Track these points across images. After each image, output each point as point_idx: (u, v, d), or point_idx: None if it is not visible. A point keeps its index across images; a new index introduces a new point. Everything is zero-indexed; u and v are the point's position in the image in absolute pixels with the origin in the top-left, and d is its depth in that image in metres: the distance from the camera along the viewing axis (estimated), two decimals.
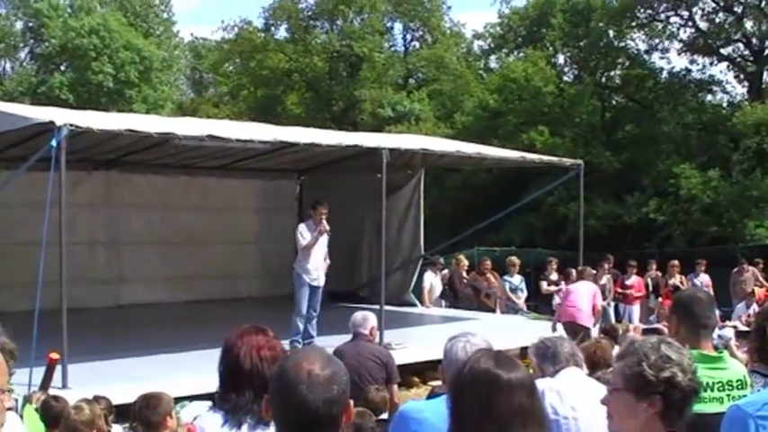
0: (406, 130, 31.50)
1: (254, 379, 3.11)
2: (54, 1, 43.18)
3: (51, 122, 8.55)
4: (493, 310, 15.33)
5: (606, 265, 15.64)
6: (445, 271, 16.65)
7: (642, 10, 33.84)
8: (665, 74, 34.52)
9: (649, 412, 2.51)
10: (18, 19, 45.67)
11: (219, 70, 46.99)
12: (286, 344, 7.91)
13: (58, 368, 7.95)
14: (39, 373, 7.54)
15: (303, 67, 41.43)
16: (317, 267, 11.23)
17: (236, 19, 46.15)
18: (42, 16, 42.41)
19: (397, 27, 44.38)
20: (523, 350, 8.53)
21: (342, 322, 8.50)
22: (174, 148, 12.45)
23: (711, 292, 13.10)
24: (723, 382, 3.75)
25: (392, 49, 43.94)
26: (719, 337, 9.98)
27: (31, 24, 44.62)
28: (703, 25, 33.75)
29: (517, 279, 15.86)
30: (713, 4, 33.09)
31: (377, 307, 10.80)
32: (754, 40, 32.74)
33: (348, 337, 7.70)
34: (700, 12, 33.62)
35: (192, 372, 8.86)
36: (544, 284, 15.76)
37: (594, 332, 10.77)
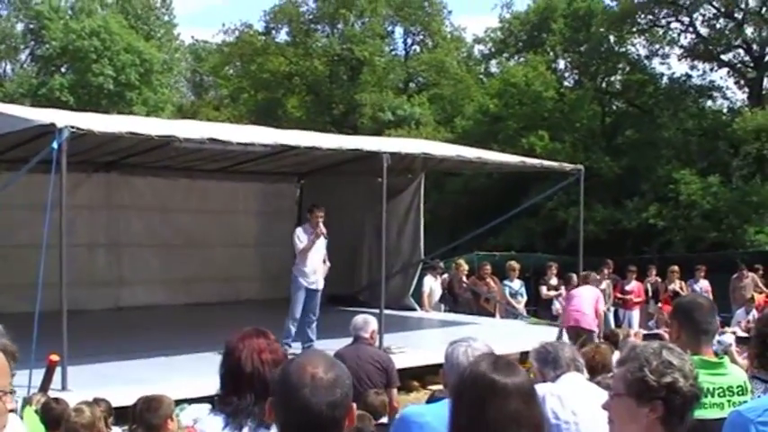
0: (406, 134, 31.53)
1: (256, 382, 3.11)
2: (55, 3, 43.21)
3: (52, 124, 8.55)
4: (492, 315, 15.32)
5: (606, 271, 15.64)
6: (445, 275, 16.64)
7: (643, 16, 33.87)
8: (665, 79, 34.57)
9: (651, 417, 2.52)
10: (19, 21, 45.71)
11: (220, 73, 47.02)
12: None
13: (58, 370, 7.96)
14: (38, 374, 7.55)
15: (304, 70, 41.45)
16: (315, 270, 11.23)
17: (236, 22, 46.15)
18: (43, 18, 42.42)
19: (398, 31, 44.52)
20: (523, 355, 8.53)
21: (341, 326, 8.50)
22: (174, 150, 12.46)
23: (711, 298, 13.09)
24: (724, 387, 3.75)
25: (393, 53, 44.00)
26: (719, 342, 9.98)
27: (31, 26, 44.63)
28: (704, 31, 33.81)
29: (517, 284, 15.87)
30: (714, 11, 33.12)
31: (377, 311, 10.80)
32: (754, 47, 32.76)
33: (347, 340, 7.70)
34: (700, 18, 33.69)
35: (191, 374, 8.87)
36: (544, 289, 15.77)
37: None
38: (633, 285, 16.04)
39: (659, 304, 15.97)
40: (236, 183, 16.80)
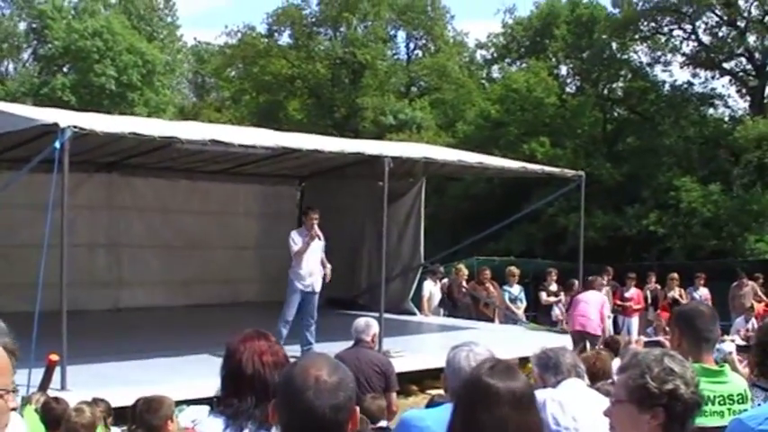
0: (407, 138, 31.51)
1: (256, 384, 3.10)
2: (58, 2, 43.24)
3: (55, 124, 8.55)
4: (491, 320, 15.32)
5: (605, 277, 15.63)
6: (445, 280, 16.65)
7: (645, 23, 33.89)
8: (667, 87, 34.53)
9: (652, 424, 2.52)
10: (22, 20, 45.77)
11: (222, 75, 47.04)
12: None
13: (57, 370, 7.97)
14: (38, 374, 7.54)
15: (305, 73, 41.45)
16: (311, 273, 11.16)
17: (239, 24, 46.24)
18: (46, 18, 42.45)
19: (401, 35, 44.53)
20: (522, 360, 8.52)
21: (341, 329, 8.50)
22: (176, 151, 12.46)
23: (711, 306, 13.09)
24: (724, 395, 3.76)
25: (395, 57, 44.00)
26: (718, 350, 9.96)
27: (34, 25, 44.67)
28: (706, 39, 33.81)
29: (516, 289, 15.88)
30: (716, 19, 33.13)
31: (376, 314, 10.78)
32: (756, 55, 32.77)
33: (347, 343, 7.70)
34: (703, 26, 33.68)
35: (190, 375, 8.85)
36: (543, 295, 15.78)
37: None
38: (632, 292, 16.03)
39: (658, 311, 15.96)
40: (236, 185, 16.82)
